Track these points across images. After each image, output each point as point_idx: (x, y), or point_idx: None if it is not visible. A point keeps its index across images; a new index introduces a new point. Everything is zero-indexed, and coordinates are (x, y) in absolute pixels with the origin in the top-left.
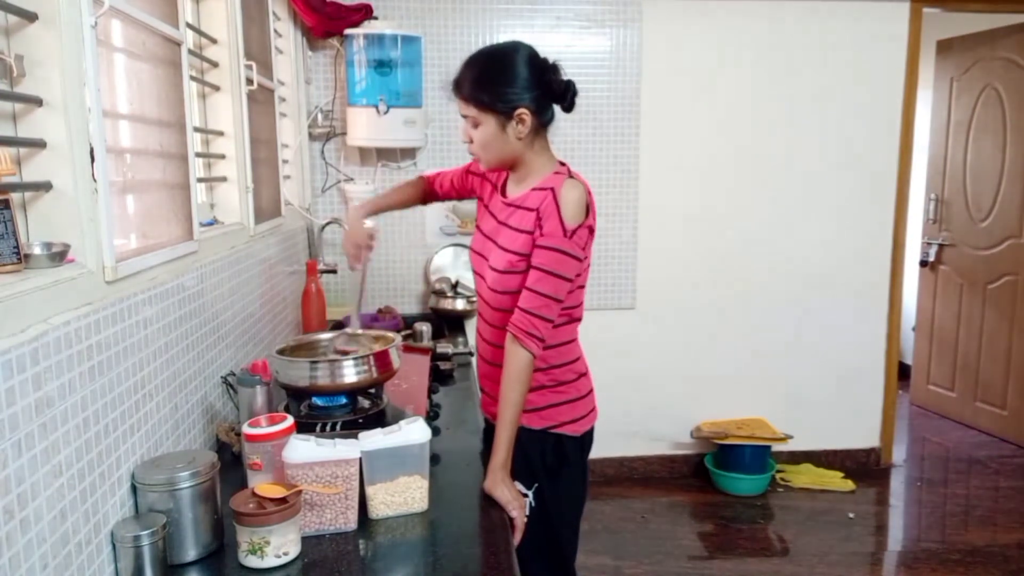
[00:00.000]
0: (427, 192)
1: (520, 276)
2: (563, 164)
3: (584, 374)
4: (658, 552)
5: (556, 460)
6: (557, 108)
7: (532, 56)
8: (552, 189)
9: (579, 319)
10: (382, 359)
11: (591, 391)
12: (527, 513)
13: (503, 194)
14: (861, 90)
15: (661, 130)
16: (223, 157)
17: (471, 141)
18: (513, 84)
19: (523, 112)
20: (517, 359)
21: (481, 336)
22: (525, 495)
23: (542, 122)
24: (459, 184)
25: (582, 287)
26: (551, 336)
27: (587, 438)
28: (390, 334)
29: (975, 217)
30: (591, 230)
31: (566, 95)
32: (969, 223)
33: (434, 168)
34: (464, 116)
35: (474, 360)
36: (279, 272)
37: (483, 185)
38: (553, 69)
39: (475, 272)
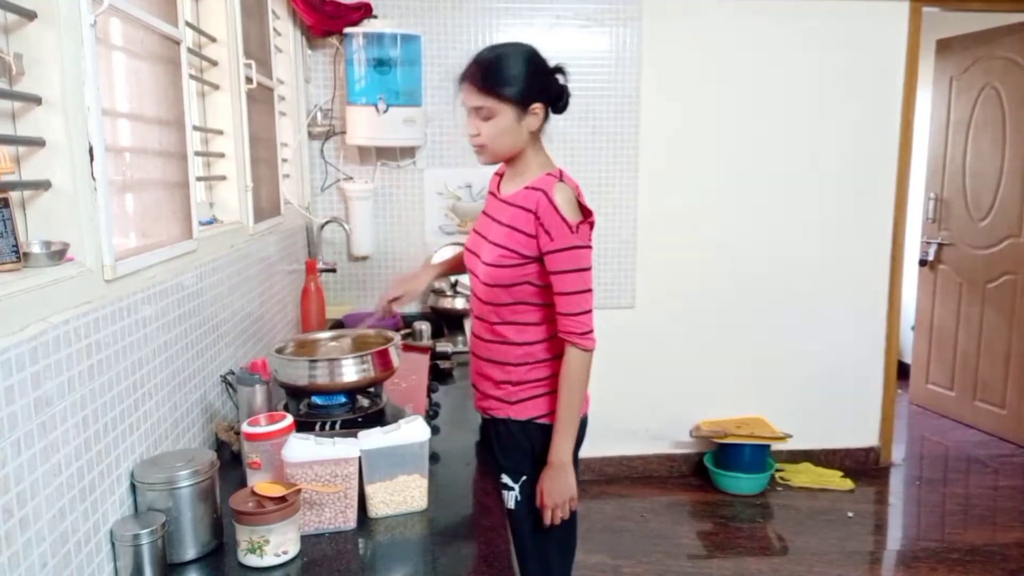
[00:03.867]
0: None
1: (510, 270)
2: (558, 170)
3: None
4: (657, 551)
5: (544, 451)
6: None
7: (542, 57)
8: (544, 192)
9: None
10: (381, 358)
11: None
12: (511, 507)
13: (498, 191)
14: (861, 89)
15: (661, 129)
16: (222, 156)
17: (477, 134)
18: (532, 79)
19: (537, 106)
20: (574, 360)
21: (474, 333)
22: (511, 488)
23: (546, 119)
24: None
25: None
26: (540, 331)
27: (579, 430)
28: (389, 333)
29: (974, 216)
30: (591, 225)
31: (563, 97)
32: (968, 222)
33: (434, 167)
34: (475, 107)
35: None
36: (278, 271)
37: (488, 197)
38: (561, 71)
39: (469, 270)
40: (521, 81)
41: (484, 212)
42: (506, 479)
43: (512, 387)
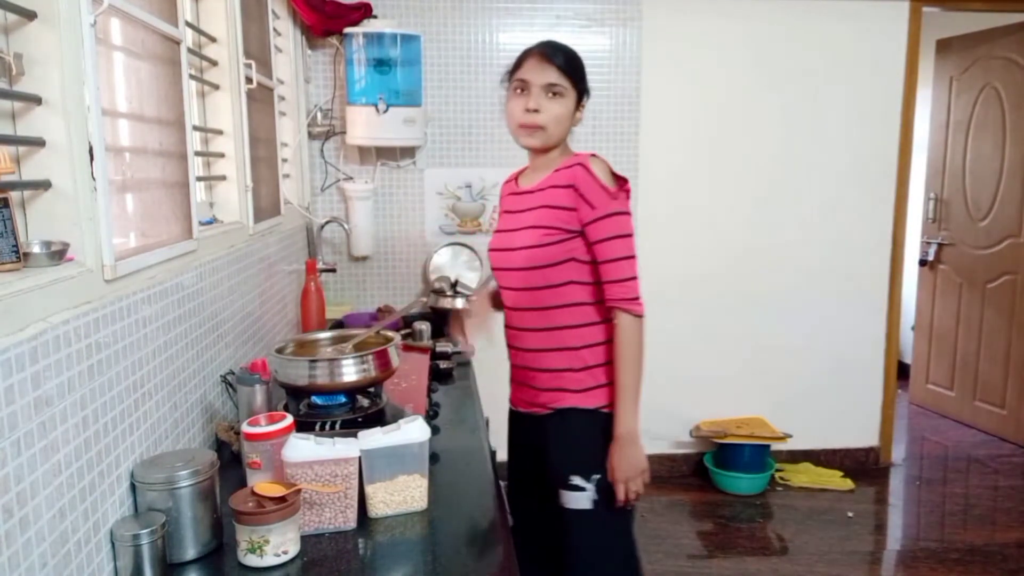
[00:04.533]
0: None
1: (554, 248)
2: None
3: None
4: (657, 551)
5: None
6: None
7: None
8: (580, 164)
9: None
10: (381, 358)
11: None
12: (589, 507)
13: (517, 187)
14: (861, 89)
15: (661, 129)
16: (222, 156)
17: (537, 110)
18: (586, 78)
19: (584, 104)
20: (627, 327)
21: (514, 328)
22: (583, 489)
23: None
24: None
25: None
26: (593, 312)
27: None
28: (389, 333)
29: (974, 216)
30: (627, 193)
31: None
32: (968, 222)
33: (434, 167)
34: (548, 84)
35: (474, 363)
36: (278, 271)
37: (501, 206)
38: None
39: (497, 270)
40: (584, 77)
41: (505, 212)
42: (576, 480)
43: (577, 373)
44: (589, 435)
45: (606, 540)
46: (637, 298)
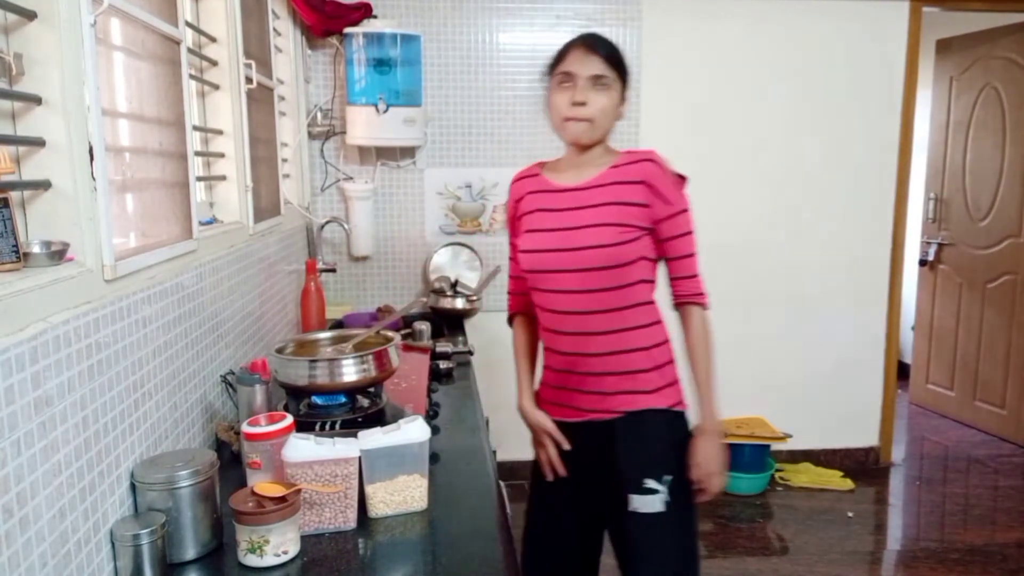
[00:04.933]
0: (531, 312)
1: (630, 246)
2: None
3: None
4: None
5: (686, 440)
6: None
7: None
8: (649, 160)
9: None
10: (381, 358)
11: None
12: (661, 509)
13: (554, 184)
14: (861, 89)
15: (661, 129)
16: (222, 156)
17: (584, 102)
18: (629, 70)
19: (627, 97)
20: (701, 321)
21: (571, 332)
22: (656, 491)
23: None
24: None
25: None
26: (656, 310)
27: None
28: (389, 333)
29: (974, 216)
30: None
31: None
32: (968, 222)
33: (434, 167)
34: (595, 76)
35: (474, 363)
36: (278, 271)
37: (518, 205)
38: None
39: (548, 272)
40: (627, 69)
41: (540, 210)
42: (650, 482)
43: (649, 373)
44: (662, 435)
45: (677, 541)
46: (704, 292)
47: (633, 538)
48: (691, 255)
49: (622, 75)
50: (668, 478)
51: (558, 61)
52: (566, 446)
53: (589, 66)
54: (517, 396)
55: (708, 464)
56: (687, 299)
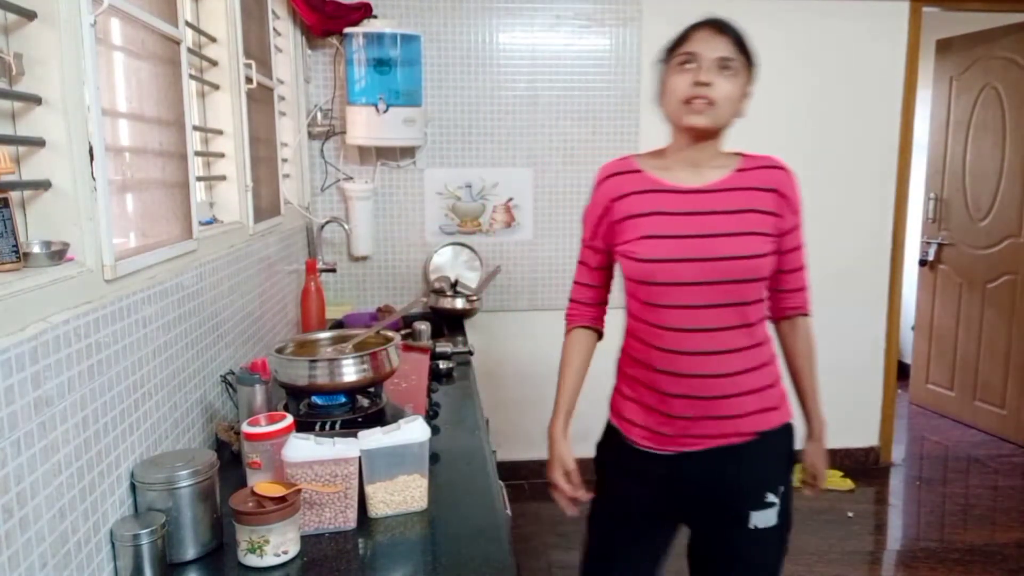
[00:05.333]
0: (595, 327)
1: (770, 259)
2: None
3: None
4: None
5: (793, 453)
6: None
7: None
8: (779, 167)
9: None
10: (381, 358)
11: None
12: (776, 521)
13: (672, 186)
14: (860, 89)
15: (661, 129)
16: (222, 156)
17: (709, 83)
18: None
19: (750, 91)
20: (811, 330)
21: (694, 352)
22: (774, 504)
23: None
24: (604, 253)
25: None
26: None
27: None
28: (389, 333)
29: (974, 216)
30: None
31: None
32: (968, 222)
33: (434, 167)
34: (722, 57)
35: (474, 363)
36: (278, 271)
37: (612, 206)
38: None
39: (679, 285)
40: (755, 58)
41: (657, 213)
42: (770, 496)
43: (774, 389)
44: (781, 449)
45: (781, 549)
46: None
47: (748, 555)
48: (803, 267)
49: (749, 62)
50: (781, 488)
51: (680, 42)
52: (582, 497)
53: (716, 47)
54: (552, 418)
55: (821, 466)
56: (796, 311)
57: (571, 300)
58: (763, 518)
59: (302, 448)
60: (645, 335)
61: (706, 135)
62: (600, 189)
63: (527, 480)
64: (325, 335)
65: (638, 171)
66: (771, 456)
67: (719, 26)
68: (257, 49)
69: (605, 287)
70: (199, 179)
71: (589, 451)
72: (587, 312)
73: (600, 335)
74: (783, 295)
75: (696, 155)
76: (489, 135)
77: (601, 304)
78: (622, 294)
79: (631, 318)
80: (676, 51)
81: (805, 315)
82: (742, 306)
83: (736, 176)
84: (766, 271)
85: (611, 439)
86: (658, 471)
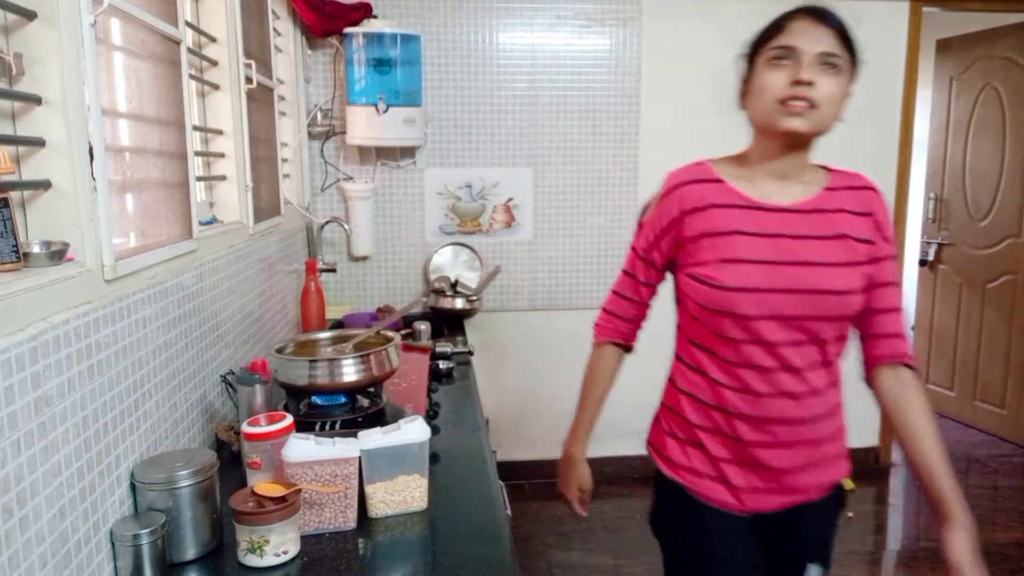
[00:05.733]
0: (627, 344)
1: (862, 296)
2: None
3: None
4: (657, 551)
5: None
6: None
7: None
8: (872, 188)
9: None
10: (381, 358)
11: None
12: (824, 570)
13: (758, 202)
14: (861, 89)
15: (661, 129)
16: (222, 156)
17: (811, 82)
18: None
19: (850, 93)
20: (919, 380)
21: (785, 394)
22: (828, 555)
23: None
24: (659, 270)
25: None
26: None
27: None
28: (389, 333)
29: (974, 216)
30: None
31: None
32: (968, 222)
33: (434, 167)
34: (825, 53)
35: (474, 363)
36: (278, 271)
37: (685, 218)
38: None
39: (766, 318)
40: (860, 58)
41: (744, 233)
42: (830, 551)
43: (844, 434)
44: (842, 498)
45: None
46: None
47: None
48: (900, 309)
49: (854, 59)
50: (832, 541)
51: (773, 33)
52: (582, 512)
53: (818, 40)
54: (568, 436)
55: (972, 566)
56: (898, 360)
57: (605, 311)
58: (817, 570)
59: (302, 448)
60: (715, 372)
61: (801, 143)
62: (671, 198)
63: (527, 480)
64: (325, 335)
65: (718, 181)
66: (836, 509)
67: (821, 15)
68: (257, 49)
69: (647, 305)
70: (199, 179)
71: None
72: (622, 327)
73: (630, 351)
74: (880, 340)
75: (784, 166)
76: (489, 135)
77: (639, 320)
78: (668, 318)
79: (692, 350)
80: (768, 43)
81: (911, 367)
82: (825, 343)
83: (826, 196)
84: (858, 307)
85: (674, 498)
86: (737, 528)
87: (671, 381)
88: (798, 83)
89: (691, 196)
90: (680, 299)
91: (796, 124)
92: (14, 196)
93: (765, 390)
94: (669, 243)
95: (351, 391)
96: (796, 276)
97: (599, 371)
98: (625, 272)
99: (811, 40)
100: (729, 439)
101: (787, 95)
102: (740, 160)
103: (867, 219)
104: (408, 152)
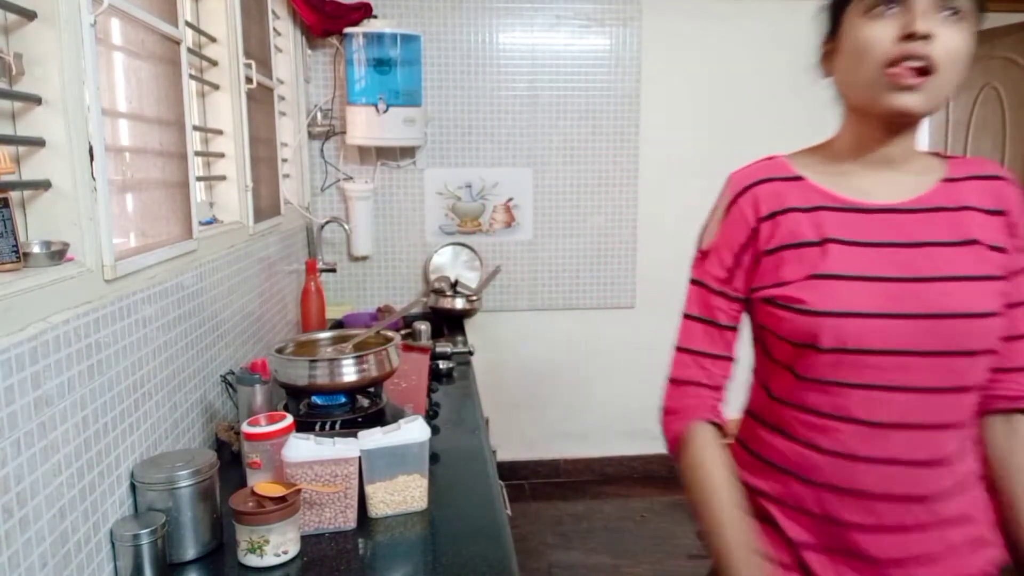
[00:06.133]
0: (720, 422)
1: (1000, 318)
2: None
3: None
4: (657, 551)
5: None
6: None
7: None
8: (1004, 179)
9: None
10: (381, 358)
11: None
12: None
13: (854, 202)
14: None
15: (661, 129)
16: (222, 156)
17: (928, 36)
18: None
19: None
20: None
21: (878, 460)
22: None
23: None
24: (743, 303)
25: None
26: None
27: None
28: (389, 333)
29: None
30: None
31: None
32: None
33: (434, 167)
34: (950, 6)
35: (474, 363)
36: (278, 271)
37: (761, 227)
38: None
39: (880, 353)
40: (985, 6)
41: (841, 243)
42: None
43: (977, 518)
44: None
45: None
46: None
47: None
48: None
49: (980, 16)
50: None
51: None
52: None
53: None
54: (724, 561)
55: None
56: (1015, 405)
57: (680, 381)
58: None
59: (302, 448)
60: (801, 430)
61: (911, 122)
62: (742, 202)
63: (527, 480)
64: (325, 335)
65: (798, 178)
66: None
67: None
68: (257, 49)
69: (734, 359)
70: (199, 179)
71: (589, 451)
72: (711, 399)
73: (724, 433)
74: (1003, 376)
75: (890, 153)
76: (489, 135)
77: (726, 382)
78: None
79: (771, 404)
80: None
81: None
82: (963, 392)
83: (944, 188)
84: (995, 335)
85: None
86: None
87: (739, 442)
88: (910, 37)
89: (765, 198)
90: (755, 335)
91: (909, 102)
92: (14, 196)
93: (877, 455)
94: (751, 261)
95: (351, 391)
96: (917, 295)
97: (714, 472)
98: (694, 319)
99: None
100: (816, 519)
101: (897, 54)
102: (824, 151)
103: (999, 219)
104: (408, 152)
